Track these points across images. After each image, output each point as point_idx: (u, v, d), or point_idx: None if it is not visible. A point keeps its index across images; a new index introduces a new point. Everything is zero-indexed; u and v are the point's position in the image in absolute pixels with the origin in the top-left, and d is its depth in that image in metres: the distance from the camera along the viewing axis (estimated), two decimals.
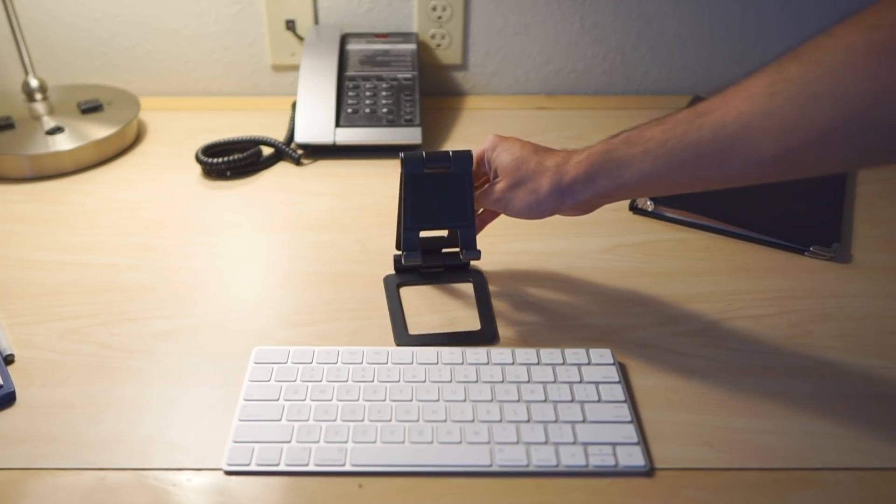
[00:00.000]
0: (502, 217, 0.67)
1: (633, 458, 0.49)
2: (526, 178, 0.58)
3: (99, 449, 0.51)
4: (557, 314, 0.63)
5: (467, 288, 0.66)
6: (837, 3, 1.00)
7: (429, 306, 0.64)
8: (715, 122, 0.48)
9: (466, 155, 0.62)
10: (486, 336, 0.61)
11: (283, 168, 0.86)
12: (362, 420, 0.52)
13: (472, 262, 0.68)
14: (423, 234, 0.64)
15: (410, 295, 0.65)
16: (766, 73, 0.46)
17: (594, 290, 0.66)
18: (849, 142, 0.44)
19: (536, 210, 0.58)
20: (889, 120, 0.42)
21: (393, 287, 0.65)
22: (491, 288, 0.66)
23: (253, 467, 0.49)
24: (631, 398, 0.55)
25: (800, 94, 0.44)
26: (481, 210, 0.64)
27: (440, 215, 0.63)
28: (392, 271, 0.67)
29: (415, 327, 0.61)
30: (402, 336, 0.60)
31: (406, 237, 0.63)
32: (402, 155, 0.62)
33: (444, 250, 0.66)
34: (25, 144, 0.84)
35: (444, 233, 0.65)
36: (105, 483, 0.48)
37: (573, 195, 0.56)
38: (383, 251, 0.70)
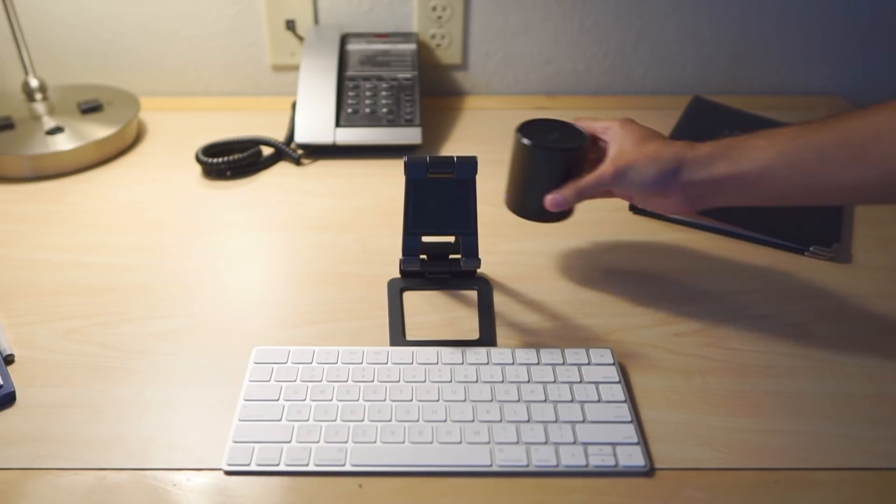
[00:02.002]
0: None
1: (633, 458, 0.49)
2: (653, 141, 0.58)
3: (99, 449, 0.51)
4: (557, 314, 0.63)
5: (472, 295, 0.66)
6: (836, 3, 1.00)
7: (430, 312, 0.64)
8: (849, 128, 0.49)
9: (471, 161, 0.62)
10: (483, 346, 0.60)
11: (283, 168, 0.86)
12: (362, 420, 0.52)
13: (479, 269, 0.67)
14: (430, 239, 0.63)
15: (413, 300, 0.65)
16: None
17: (594, 290, 0.66)
18: None
19: (654, 174, 0.56)
20: None
21: (396, 291, 0.65)
22: (493, 291, 0.66)
23: (253, 467, 0.49)
24: (631, 398, 0.55)
25: None
26: (585, 183, 0.61)
27: (442, 221, 0.62)
28: (397, 274, 0.67)
29: (414, 332, 0.61)
30: (399, 341, 0.60)
31: (407, 242, 0.63)
32: (405, 159, 0.61)
33: (451, 256, 0.66)
34: (25, 144, 0.84)
35: (452, 238, 0.65)
36: (105, 483, 0.48)
37: (690, 171, 0.55)
38: (383, 251, 0.70)
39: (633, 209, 0.78)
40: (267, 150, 0.88)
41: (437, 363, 0.56)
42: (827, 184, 0.51)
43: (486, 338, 0.60)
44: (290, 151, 0.86)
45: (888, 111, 0.48)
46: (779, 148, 0.52)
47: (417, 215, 0.62)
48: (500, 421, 0.52)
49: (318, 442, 0.50)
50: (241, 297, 0.65)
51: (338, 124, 0.88)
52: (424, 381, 0.55)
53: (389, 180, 0.83)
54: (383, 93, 0.91)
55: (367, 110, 0.89)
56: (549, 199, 0.60)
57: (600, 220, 0.76)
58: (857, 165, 0.48)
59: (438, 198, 0.62)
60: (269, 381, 0.55)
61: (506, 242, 0.72)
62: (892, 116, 0.47)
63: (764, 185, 0.53)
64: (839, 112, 0.51)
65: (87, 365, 0.58)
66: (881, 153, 0.47)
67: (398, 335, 0.60)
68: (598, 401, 0.53)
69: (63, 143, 0.84)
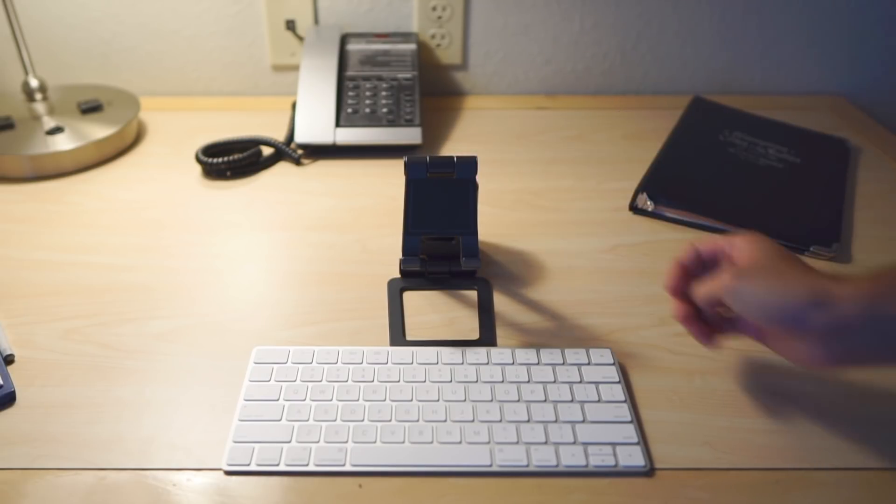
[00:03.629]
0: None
1: (633, 458, 0.49)
2: (789, 260, 0.46)
3: (99, 449, 0.51)
4: (557, 314, 0.63)
5: (472, 295, 0.65)
6: (836, 3, 1.00)
7: (430, 312, 0.64)
8: None
9: (471, 161, 0.62)
10: (483, 346, 0.60)
11: (283, 168, 0.86)
12: (362, 420, 0.52)
13: (479, 269, 0.67)
14: (431, 239, 0.63)
15: (413, 300, 0.65)
16: None
17: (594, 290, 0.66)
18: None
19: (781, 296, 0.44)
20: None
21: (396, 291, 0.65)
22: (493, 290, 0.66)
23: (253, 467, 0.49)
24: (631, 398, 0.55)
25: None
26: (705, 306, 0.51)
27: (442, 221, 0.62)
28: (397, 274, 0.67)
29: (414, 332, 0.61)
30: (399, 341, 0.60)
31: (407, 242, 0.63)
32: (405, 159, 0.61)
33: (451, 256, 0.65)
34: (25, 144, 0.84)
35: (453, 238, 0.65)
36: (105, 483, 0.48)
37: (837, 309, 0.42)
38: (383, 251, 0.70)
39: (633, 209, 0.78)
40: (267, 150, 0.88)
41: (437, 363, 0.56)
42: None
43: (486, 338, 0.60)
44: (290, 151, 0.86)
45: None
46: None
47: (417, 215, 0.62)
48: (500, 421, 0.52)
49: (318, 442, 0.50)
50: (241, 297, 0.65)
51: (338, 124, 0.88)
52: (424, 381, 0.55)
53: (389, 180, 0.83)
54: (383, 93, 0.91)
55: (367, 110, 0.89)
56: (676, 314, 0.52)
57: (600, 220, 0.76)
58: None
59: (438, 198, 0.62)
60: (269, 381, 0.55)
61: (506, 242, 0.72)
62: None
63: None
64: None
65: (87, 365, 0.58)
66: None
67: (398, 335, 0.60)
68: (598, 401, 0.53)
69: (63, 143, 0.84)
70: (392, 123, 0.88)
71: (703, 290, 0.49)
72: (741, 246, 0.50)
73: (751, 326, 0.51)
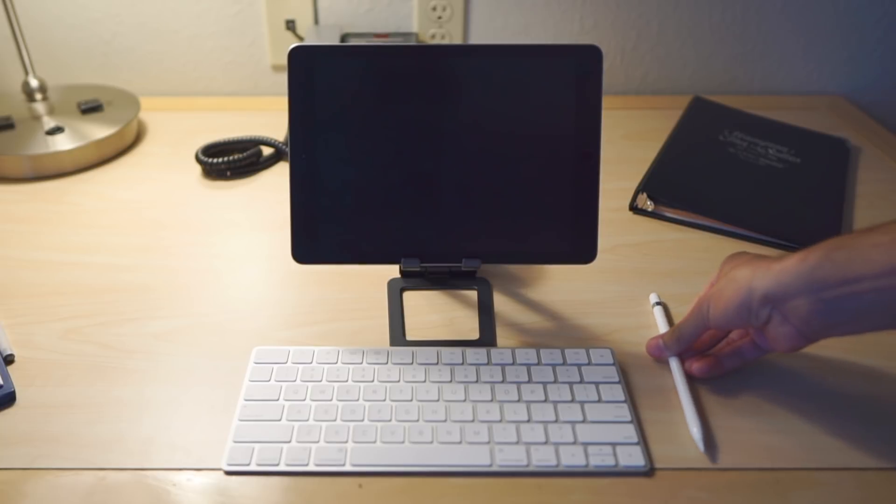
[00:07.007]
0: None
1: (633, 458, 0.49)
2: (751, 263, 0.50)
3: (99, 449, 0.51)
4: (557, 314, 0.63)
5: (472, 295, 0.65)
6: (836, 3, 1.00)
7: (430, 312, 0.64)
8: None
9: None
10: (483, 346, 0.60)
11: (283, 168, 0.86)
12: (362, 420, 0.52)
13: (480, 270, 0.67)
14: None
15: (413, 300, 0.65)
16: None
17: (594, 290, 0.66)
18: None
19: (733, 298, 0.49)
20: None
21: (396, 291, 0.65)
22: (493, 290, 0.66)
23: (253, 467, 0.49)
24: (631, 398, 0.55)
25: None
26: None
27: None
28: (397, 274, 0.67)
29: (414, 332, 0.61)
30: (399, 341, 0.60)
31: None
32: None
33: None
34: (25, 144, 0.84)
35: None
36: (105, 483, 0.48)
37: (785, 292, 0.46)
38: None
39: (633, 209, 0.78)
40: (267, 150, 0.88)
41: (437, 363, 0.56)
42: None
43: (486, 338, 0.60)
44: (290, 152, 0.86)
45: None
46: None
47: None
48: (500, 421, 0.52)
49: (318, 442, 0.50)
50: (241, 297, 0.65)
51: None
52: (424, 381, 0.55)
53: None
54: None
55: None
56: (650, 345, 0.58)
57: (600, 220, 0.76)
58: None
59: None
60: (269, 381, 0.55)
61: None
62: None
63: (892, 287, 0.42)
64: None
65: (87, 365, 0.58)
66: None
67: (398, 335, 0.60)
68: (598, 401, 0.53)
69: (63, 143, 0.84)
70: None
71: (683, 321, 0.56)
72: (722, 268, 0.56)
73: (749, 347, 0.55)
